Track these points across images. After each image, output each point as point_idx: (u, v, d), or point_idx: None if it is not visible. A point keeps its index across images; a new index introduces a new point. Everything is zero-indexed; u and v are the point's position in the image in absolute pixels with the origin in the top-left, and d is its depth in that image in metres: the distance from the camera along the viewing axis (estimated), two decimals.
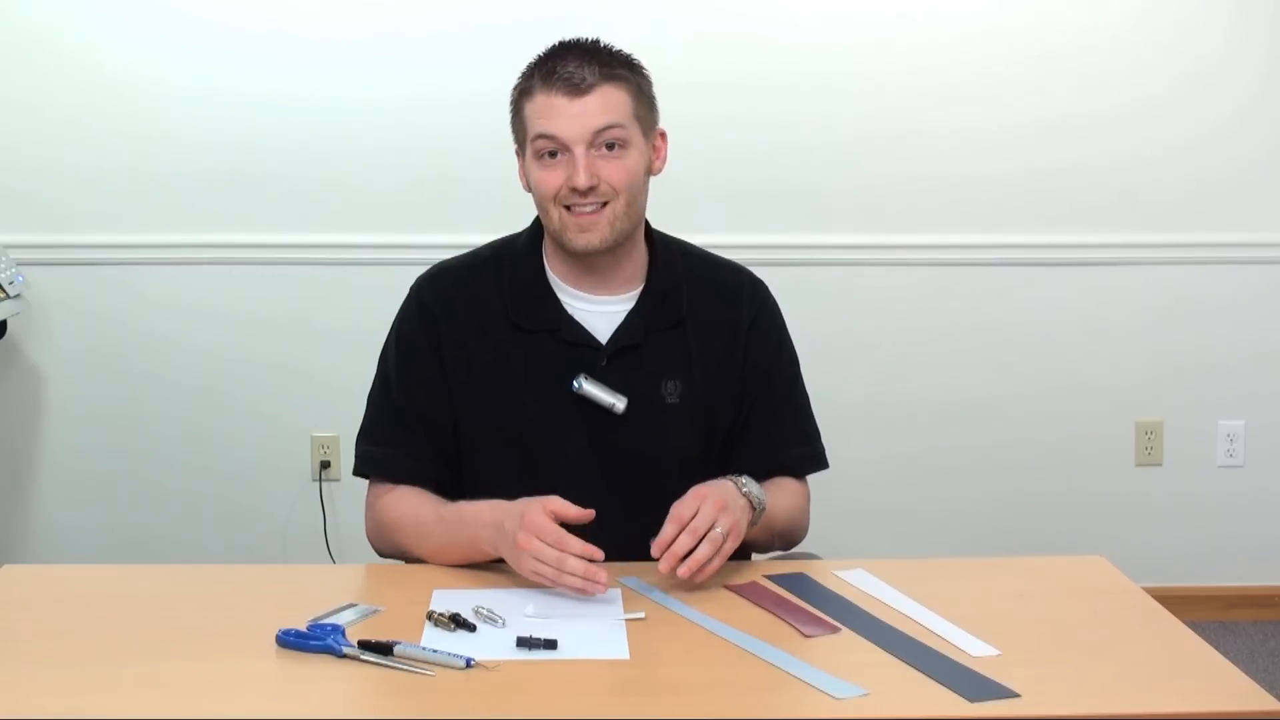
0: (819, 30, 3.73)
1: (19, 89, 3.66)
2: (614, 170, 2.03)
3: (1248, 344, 3.88)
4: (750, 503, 1.97)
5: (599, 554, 1.85)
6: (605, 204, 2.03)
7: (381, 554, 2.15)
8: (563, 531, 1.86)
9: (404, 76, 3.70)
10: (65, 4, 3.65)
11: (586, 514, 1.88)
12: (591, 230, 2.03)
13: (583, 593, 1.85)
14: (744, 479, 1.99)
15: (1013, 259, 3.83)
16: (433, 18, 3.70)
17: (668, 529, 1.87)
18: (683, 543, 1.86)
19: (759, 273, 2.26)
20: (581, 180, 2.00)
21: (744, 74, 3.71)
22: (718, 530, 1.87)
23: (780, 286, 2.27)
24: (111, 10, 3.65)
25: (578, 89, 2.00)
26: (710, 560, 1.87)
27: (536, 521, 1.86)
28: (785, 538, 2.15)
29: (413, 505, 2.08)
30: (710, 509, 1.89)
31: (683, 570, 1.86)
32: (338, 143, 3.71)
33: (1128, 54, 3.78)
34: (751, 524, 1.98)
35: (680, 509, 1.89)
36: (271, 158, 3.70)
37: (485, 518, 1.96)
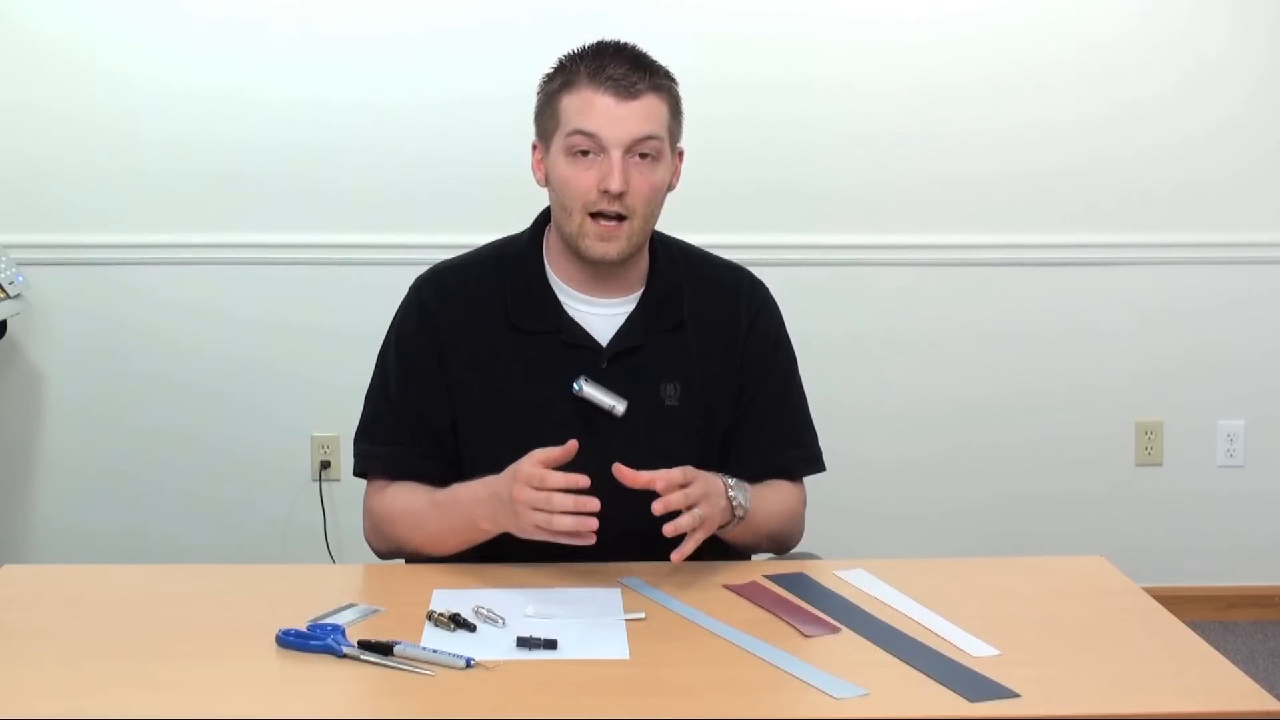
0: (819, 30, 3.73)
1: (20, 89, 3.66)
2: (643, 182, 2.02)
3: (1248, 344, 3.88)
4: (731, 507, 1.96)
5: (584, 480, 1.84)
6: (624, 218, 2.03)
7: (380, 553, 2.14)
8: (547, 472, 1.86)
9: (404, 76, 3.70)
10: (66, 4, 3.65)
11: (569, 448, 1.87)
12: (610, 241, 2.03)
13: (576, 536, 1.84)
14: (733, 482, 1.98)
15: (1013, 259, 3.83)
16: (433, 18, 3.70)
17: (665, 477, 1.86)
18: (676, 499, 1.86)
19: (759, 273, 2.25)
20: (615, 184, 1.99)
21: (744, 74, 3.71)
22: (696, 512, 1.87)
23: (780, 286, 2.27)
24: (112, 10, 3.65)
25: (627, 92, 2.00)
26: (687, 537, 1.86)
27: (526, 471, 1.87)
28: (775, 541, 2.14)
29: (407, 497, 2.08)
30: (697, 490, 1.89)
31: (668, 528, 1.85)
32: (337, 143, 3.71)
33: (1128, 54, 3.78)
34: (725, 527, 1.97)
35: (674, 474, 1.87)
36: (271, 158, 3.70)
37: (478, 492, 1.96)
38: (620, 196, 2.00)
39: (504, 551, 2.04)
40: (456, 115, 3.69)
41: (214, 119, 3.68)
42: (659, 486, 1.86)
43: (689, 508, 1.87)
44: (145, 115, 3.67)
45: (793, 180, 3.77)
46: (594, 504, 1.84)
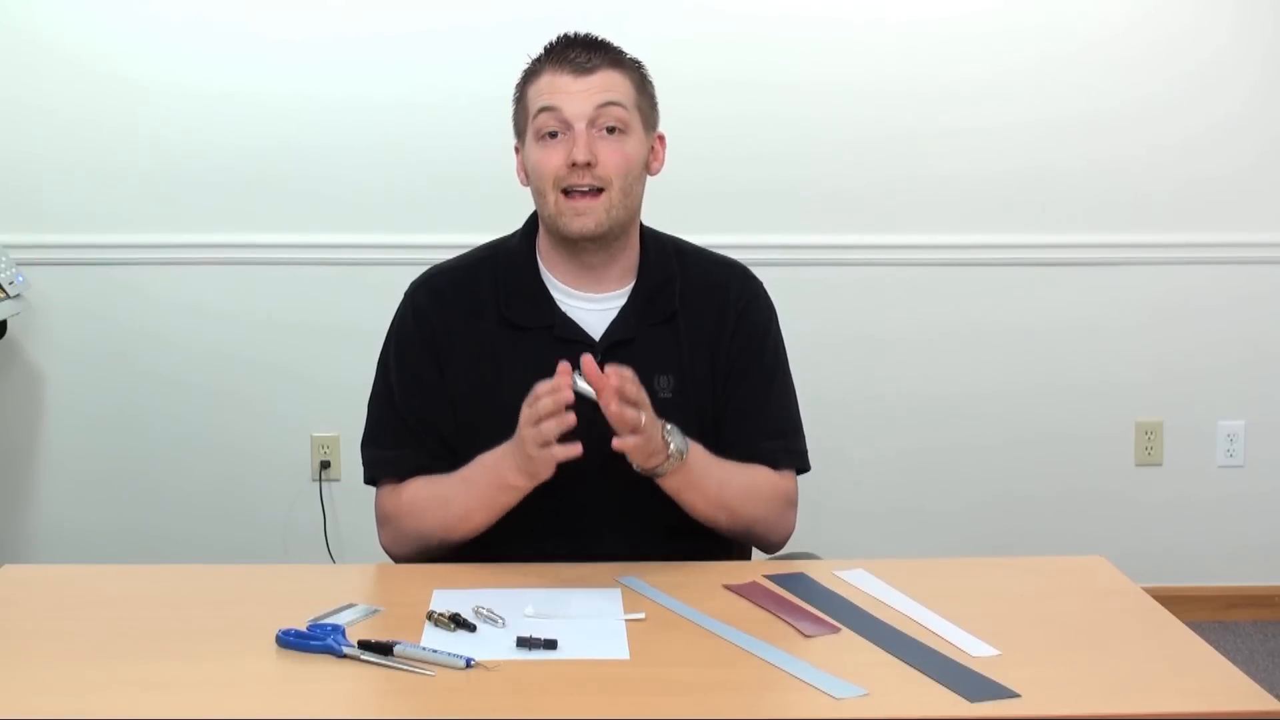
0: (819, 30, 3.73)
1: (19, 89, 3.66)
2: (612, 153, 2.04)
3: (1248, 344, 3.88)
4: (666, 443, 1.96)
5: (566, 391, 1.88)
6: (601, 191, 2.04)
7: (399, 556, 2.13)
8: (535, 391, 1.91)
9: (403, 76, 3.70)
10: (66, 4, 3.65)
11: (560, 372, 1.91)
12: (587, 215, 2.05)
13: (565, 445, 1.88)
14: (671, 428, 1.98)
15: (1013, 259, 3.83)
16: (433, 18, 3.70)
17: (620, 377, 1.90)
18: (630, 389, 1.89)
19: (758, 272, 2.25)
20: (580, 154, 2.02)
21: (744, 74, 3.72)
22: (641, 413, 1.90)
23: (779, 286, 2.27)
24: (112, 10, 3.65)
25: (584, 68, 2.05)
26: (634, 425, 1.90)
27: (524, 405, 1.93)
28: (737, 516, 2.10)
29: (429, 485, 2.09)
30: (645, 397, 1.91)
31: (613, 407, 1.88)
32: (337, 143, 3.71)
33: (1128, 54, 3.78)
34: (661, 467, 1.97)
35: (624, 370, 1.90)
36: (271, 158, 3.70)
37: (501, 449, 1.99)
38: (590, 167, 2.02)
39: (504, 552, 2.04)
40: (456, 116, 3.69)
41: (214, 119, 3.68)
42: (612, 379, 1.88)
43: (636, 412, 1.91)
44: (145, 115, 3.67)
45: (792, 180, 3.77)
46: (567, 394, 1.88)
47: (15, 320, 3.57)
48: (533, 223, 2.18)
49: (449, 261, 2.21)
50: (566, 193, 2.05)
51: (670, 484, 2.01)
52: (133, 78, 3.66)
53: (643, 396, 1.92)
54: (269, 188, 3.72)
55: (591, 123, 2.04)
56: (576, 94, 2.04)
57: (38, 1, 3.65)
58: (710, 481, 2.05)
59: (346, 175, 3.72)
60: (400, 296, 2.20)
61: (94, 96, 3.66)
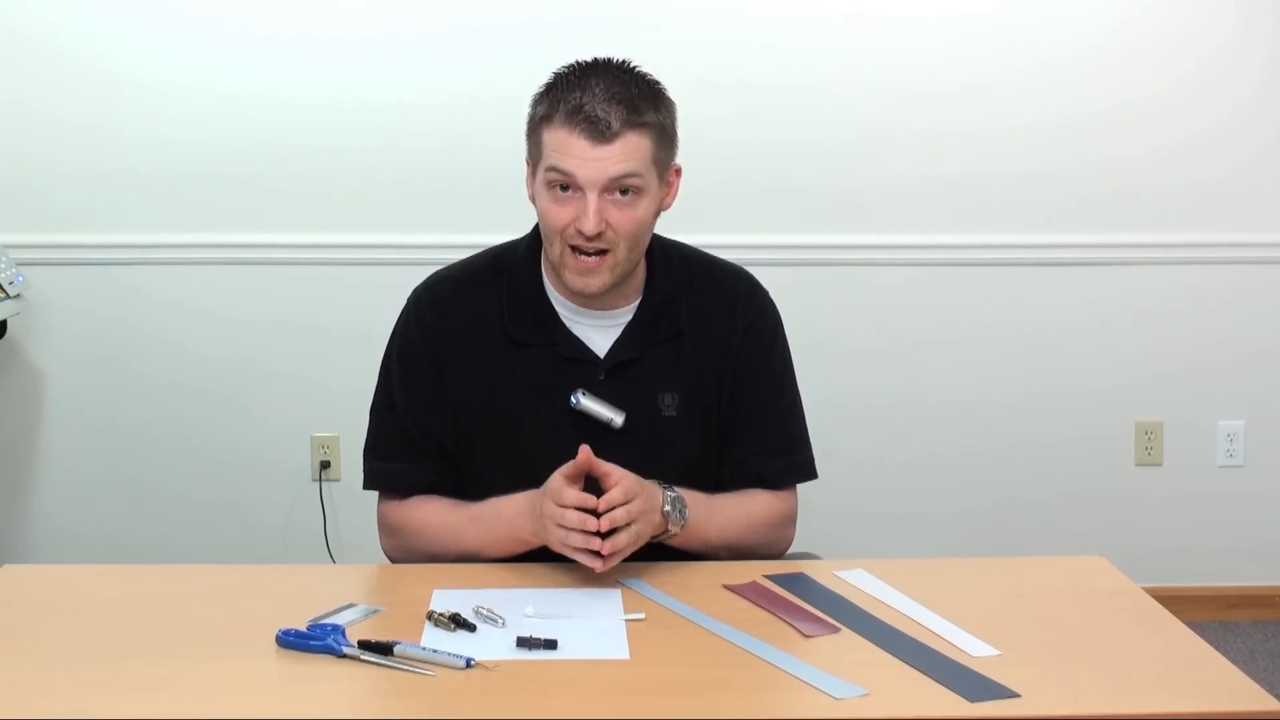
0: (820, 30, 3.73)
1: (20, 89, 3.66)
2: (622, 218, 2.00)
3: (1248, 344, 3.88)
4: (665, 520, 1.98)
5: (591, 500, 1.88)
6: (606, 251, 2.01)
7: (398, 562, 2.13)
8: (564, 488, 1.90)
9: (404, 76, 3.70)
10: (66, 4, 3.65)
11: (581, 458, 1.90)
12: (591, 276, 2.02)
13: (586, 556, 1.88)
14: (674, 496, 1.99)
15: (1013, 259, 3.83)
16: (433, 18, 3.69)
17: (607, 500, 1.89)
18: (619, 515, 1.89)
19: (760, 273, 2.25)
20: (590, 226, 1.97)
21: (745, 73, 3.71)
22: (633, 529, 1.90)
23: (780, 287, 2.27)
24: (112, 10, 3.65)
25: (601, 135, 1.96)
26: (619, 551, 1.90)
27: (551, 486, 1.92)
28: (736, 552, 2.10)
29: (437, 510, 2.09)
30: (637, 507, 1.91)
31: (605, 545, 1.88)
32: (338, 143, 3.71)
33: (1128, 54, 3.78)
34: (659, 536, 1.99)
35: (614, 494, 1.89)
36: (271, 158, 3.70)
37: (521, 506, 1.99)
38: (598, 235, 1.99)
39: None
40: (456, 115, 3.68)
41: (214, 119, 3.68)
42: (600, 507, 1.89)
43: (627, 524, 1.90)
44: (146, 116, 3.67)
45: (793, 180, 3.77)
46: (592, 523, 1.88)
47: (15, 320, 3.57)
48: (538, 233, 2.14)
49: (453, 267, 2.19)
50: (573, 248, 2.01)
51: (672, 543, 2.03)
52: (133, 78, 3.66)
53: (632, 509, 1.90)
54: (269, 188, 3.72)
55: (604, 189, 1.98)
56: (590, 162, 1.96)
57: (38, 3, 3.65)
58: (711, 531, 2.06)
59: (347, 175, 3.72)
60: (400, 297, 2.19)
61: (94, 97, 3.66)
